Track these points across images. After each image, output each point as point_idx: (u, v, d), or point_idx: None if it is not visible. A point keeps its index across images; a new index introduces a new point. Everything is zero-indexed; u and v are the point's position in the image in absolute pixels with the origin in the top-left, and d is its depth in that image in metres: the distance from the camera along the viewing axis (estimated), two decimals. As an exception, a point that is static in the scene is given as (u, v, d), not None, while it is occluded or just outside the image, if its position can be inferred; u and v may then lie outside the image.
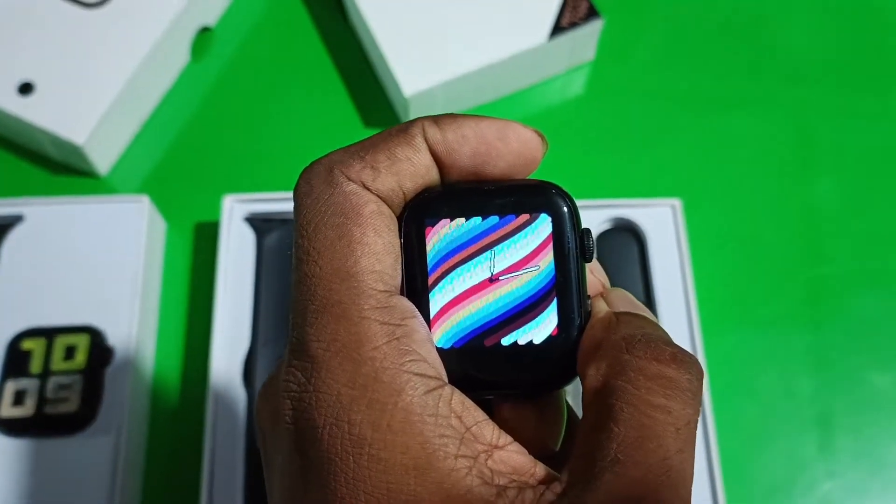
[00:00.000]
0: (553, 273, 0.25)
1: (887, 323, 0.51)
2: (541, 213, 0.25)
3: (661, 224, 0.50)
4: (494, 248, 0.25)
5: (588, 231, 0.25)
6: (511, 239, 0.25)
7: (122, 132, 0.55)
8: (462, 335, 0.25)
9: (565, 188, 0.26)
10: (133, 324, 0.47)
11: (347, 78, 0.59)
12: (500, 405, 0.26)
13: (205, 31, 0.59)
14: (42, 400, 0.45)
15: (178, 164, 0.56)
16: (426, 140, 0.25)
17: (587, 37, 0.56)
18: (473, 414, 0.23)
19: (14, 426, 0.45)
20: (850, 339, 0.50)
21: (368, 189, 0.24)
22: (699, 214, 0.52)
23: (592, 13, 0.55)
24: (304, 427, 0.23)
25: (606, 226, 0.51)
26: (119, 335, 0.47)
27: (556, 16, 0.54)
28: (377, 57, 0.56)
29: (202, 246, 0.53)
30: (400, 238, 0.25)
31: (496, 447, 0.23)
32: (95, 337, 0.47)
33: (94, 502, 0.44)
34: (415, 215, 0.25)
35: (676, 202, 0.50)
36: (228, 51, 0.59)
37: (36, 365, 0.46)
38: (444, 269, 0.25)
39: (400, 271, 0.24)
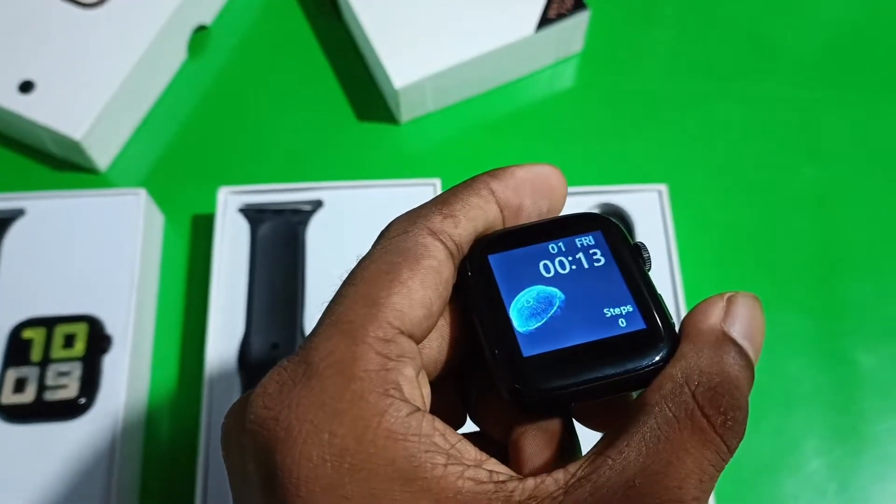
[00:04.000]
0: (622, 279, 0.26)
1: (872, 304, 0.51)
2: (594, 231, 0.27)
3: (648, 209, 0.51)
4: (558, 264, 0.26)
5: (642, 244, 0.27)
6: (573, 256, 0.26)
7: (120, 128, 0.57)
8: (548, 342, 0.25)
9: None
10: (130, 312, 0.49)
11: (340, 73, 0.60)
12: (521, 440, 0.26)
13: (201, 29, 0.61)
14: (42, 387, 0.46)
15: (177, 159, 0.57)
16: (491, 190, 0.27)
17: (574, 28, 0.57)
18: (456, 435, 0.23)
19: (15, 412, 0.46)
20: (835, 321, 0.51)
21: (446, 240, 0.26)
22: (685, 200, 0.53)
23: (579, 4, 0.56)
24: (275, 431, 0.23)
25: (595, 211, 0.52)
26: (117, 324, 0.48)
27: (544, 7, 0.55)
28: (368, 51, 0.57)
29: (199, 237, 0.54)
30: (467, 272, 0.26)
31: (483, 461, 0.23)
32: (94, 325, 0.48)
33: (92, 486, 0.45)
34: (481, 248, 0.26)
35: (663, 188, 0.51)
36: (225, 48, 0.61)
37: (36, 353, 0.47)
38: (515, 287, 0.26)
39: (426, 326, 0.25)
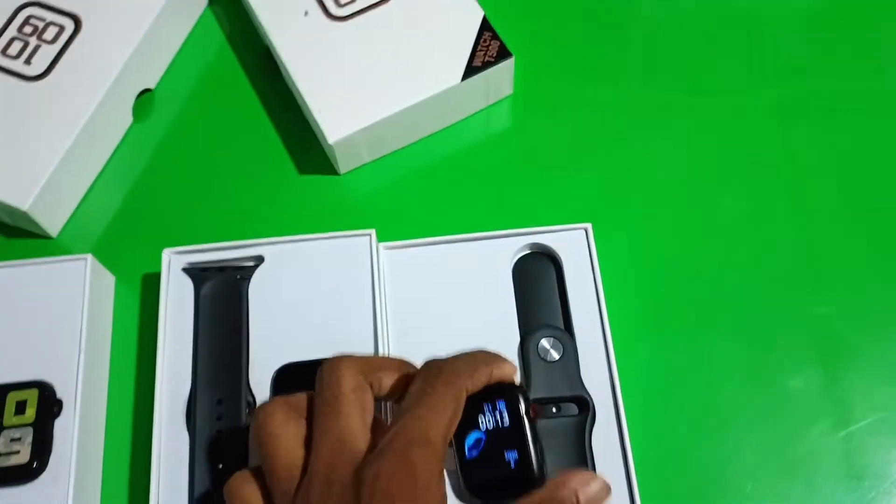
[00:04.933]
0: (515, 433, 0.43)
1: (794, 328, 0.53)
2: (506, 398, 0.43)
3: (575, 247, 0.53)
4: (488, 420, 0.43)
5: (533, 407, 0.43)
6: (493, 416, 0.43)
7: (69, 194, 0.59)
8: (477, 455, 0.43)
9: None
10: (80, 375, 0.50)
11: (281, 130, 0.62)
12: None
13: (146, 92, 0.63)
14: (-5, 453, 0.48)
15: (126, 221, 0.59)
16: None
17: (501, 74, 0.59)
18: None
19: (-30, 480, 0.47)
20: (760, 346, 0.53)
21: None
22: (612, 236, 0.55)
23: (503, 52, 0.58)
24: None
25: (526, 251, 0.54)
26: (68, 387, 0.50)
27: (469, 57, 0.58)
28: (305, 108, 0.59)
29: (149, 297, 0.56)
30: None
31: None
32: (44, 390, 0.50)
33: (49, 547, 0.47)
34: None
35: (588, 226, 0.53)
36: (169, 111, 0.63)
37: (-11, 421, 0.49)
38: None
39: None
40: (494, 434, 0.42)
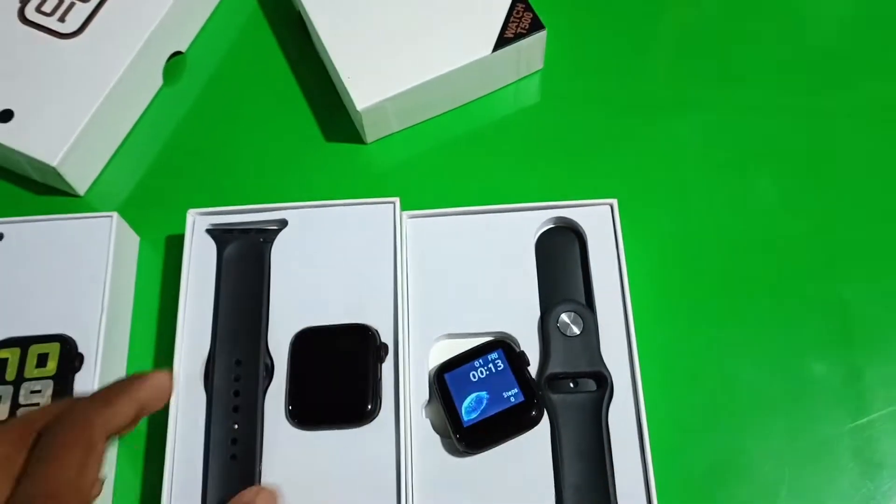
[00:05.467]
0: (512, 375, 0.48)
1: (821, 312, 0.52)
2: (497, 349, 0.49)
3: (600, 222, 0.52)
4: (480, 373, 0.48)
5: (522, 352, 0.49)
6: (486, 367, 0.49)
7: (97, 153, 0.59)
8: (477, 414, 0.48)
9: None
10: (102, 331, 0.51)
11: (310, 96, 0.62)
12: None
13: (177, 55, 0.63)
14: (15, 404, 0.48)
15: (153, 183, 0.60)
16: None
17: (533, 47, 0.58)
18: None
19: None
20: (786, 329, 0.52)
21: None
22: (637, 212, 0.54)
23: (536, 24, 0.57)
24: None
25: (549, 225, 0.53)
26: (90, 342, 0.51)
27: (501, 28, 0.57)
28: (334, 74, 0.59)
29: (172, 257, 0.56)
30: (435, 383, 0.49)
31: None
32: (66, 345, 0.50)
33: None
34: (439, 370, 0.49)
35: (613, 202, 0.52)
36: (199, 74, 0.63)
37: (10, 372, 0.49)
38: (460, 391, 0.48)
39: None
40: (488, 381, 0.48)
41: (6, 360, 0.50)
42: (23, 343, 0.50)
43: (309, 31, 0.62)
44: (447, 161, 0.59)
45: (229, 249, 0.53)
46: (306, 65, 0.63)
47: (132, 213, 0.57)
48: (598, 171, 0.57)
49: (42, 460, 0.36)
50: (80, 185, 0.58)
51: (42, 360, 0.50)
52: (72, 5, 0.59)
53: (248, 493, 0.43)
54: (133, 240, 0.56)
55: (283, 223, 0.54)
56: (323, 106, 0.61)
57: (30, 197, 0.59)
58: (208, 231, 0.53)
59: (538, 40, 0.58)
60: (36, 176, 0.58)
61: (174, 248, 0.57)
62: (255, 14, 0.65)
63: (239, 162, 0.60)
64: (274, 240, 0.53)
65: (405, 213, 0.53)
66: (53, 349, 0.50)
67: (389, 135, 0.60)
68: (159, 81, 0.62)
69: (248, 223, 0.54)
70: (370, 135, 0.59)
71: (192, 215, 0.54)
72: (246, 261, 0.53)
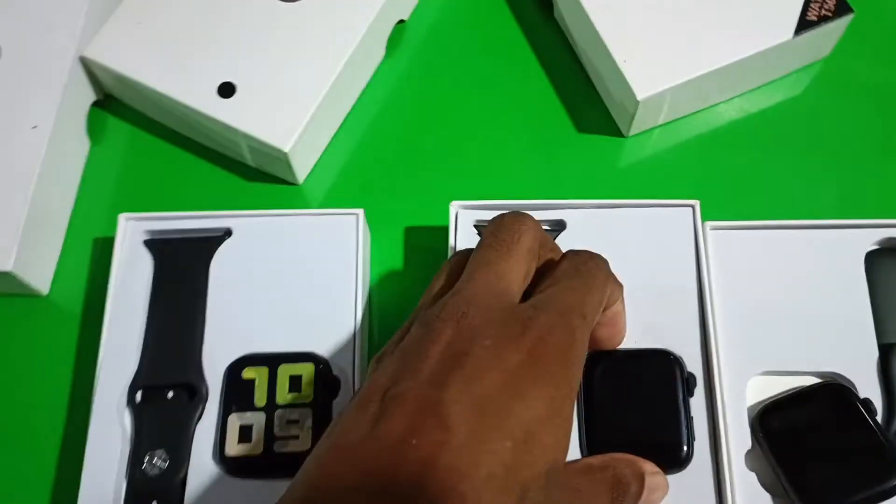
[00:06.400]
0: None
1: None
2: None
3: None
4: None
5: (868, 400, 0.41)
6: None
7: (321, 137, 0.51)
8: None
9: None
10: (357, 349, 0.43)
11: (553, 77, 0.54)
12: None
13: (399, 24, 0.55)
14: (270, 436, 0.41)
15: (377, 170, 0.52)
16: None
17: (831, 33, 0.50)
18: None
19: (241, 465, 0.41)
20: None
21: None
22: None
23: (843, 7, 0.49)
24: None
25: (876, 246, 0.45)
26: (343, 363, 0.43)
27: (802, 9, 0.49)
28: (598, 58, 0.51)
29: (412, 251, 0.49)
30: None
31: None
32: (320, 365, 0.43)
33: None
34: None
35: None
36: (423, 45, 0.55)
37: (259, 397, 0.42)
38: None
39: None
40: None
41: (252, 380, 0.42)
42: (270, 362, 0.43)
43: (555, 4, 0.54)
44: (706, 157, 0.51)
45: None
46: (542, 40, 0.55)
47: (348, 203, 0.49)
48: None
49: (574, 279, 0.35)
50: (301, 172, 0.51)
51: (295, 384, 0.42)
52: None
53: (649, 465, 0.36)
54: (367, 238, 0.49)
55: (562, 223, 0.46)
56: (568, 90, 0.53)
57: (242, 184, 0.51)
58: (476, 226, 0.46)
59: (841, 26, 0.50)
60: (249, 160, 0.51)
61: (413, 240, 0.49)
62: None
63: (477, 151, 0.52)
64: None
65: (707, 224, 0.46)
66: (307, 370, 0.43)
67: (651, 128, 0.52)
68: (382, 53, 0.54)
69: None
70: (634, 128, 0.51)
71: (454, 207, 0.46)
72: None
